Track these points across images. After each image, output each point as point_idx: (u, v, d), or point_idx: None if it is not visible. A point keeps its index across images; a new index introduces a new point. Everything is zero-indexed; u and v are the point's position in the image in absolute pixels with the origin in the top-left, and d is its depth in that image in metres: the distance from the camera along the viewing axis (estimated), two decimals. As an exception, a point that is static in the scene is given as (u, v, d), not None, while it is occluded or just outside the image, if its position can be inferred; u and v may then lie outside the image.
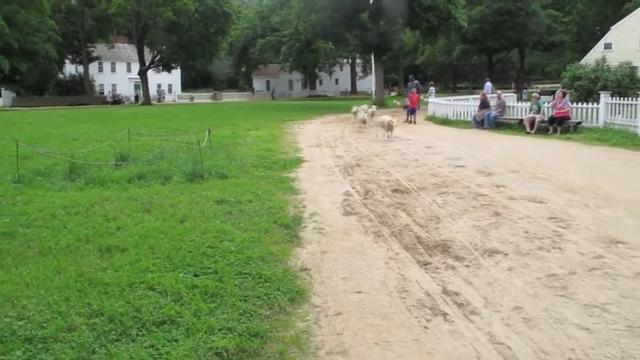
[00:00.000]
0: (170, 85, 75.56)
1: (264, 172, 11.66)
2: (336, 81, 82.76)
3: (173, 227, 7.08)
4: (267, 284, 5.34)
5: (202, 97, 71.33)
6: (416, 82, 26.28)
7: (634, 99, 17.04)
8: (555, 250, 6.45)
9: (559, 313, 4.80)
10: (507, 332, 4.47)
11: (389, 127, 17.92)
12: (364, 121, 22.30)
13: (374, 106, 26.17)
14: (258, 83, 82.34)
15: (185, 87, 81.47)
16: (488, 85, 29.51)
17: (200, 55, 63.12)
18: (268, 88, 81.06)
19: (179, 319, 4.53)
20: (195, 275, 5.50)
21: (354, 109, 24.33)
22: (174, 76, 73.87)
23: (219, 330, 4.38)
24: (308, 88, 79.71)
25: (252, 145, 16.59)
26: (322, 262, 6.19)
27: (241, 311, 4.73)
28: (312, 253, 6.49)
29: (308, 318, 4.79)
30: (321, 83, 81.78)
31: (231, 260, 5.91)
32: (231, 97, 72.24)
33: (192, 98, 70.69)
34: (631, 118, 16.95)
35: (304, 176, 11.46)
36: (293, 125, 24.72)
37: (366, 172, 11.66)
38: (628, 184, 10.07)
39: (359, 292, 5.33)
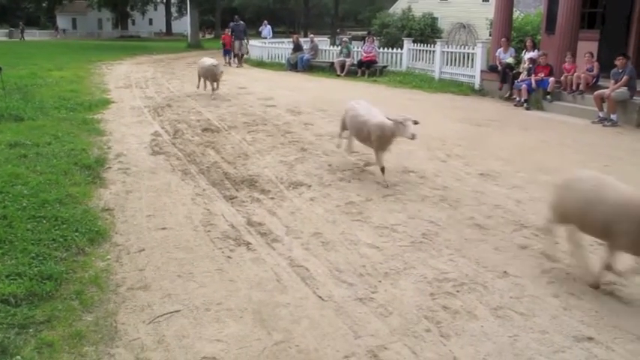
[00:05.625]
0: (-47, 21, 66.12)
1: (67, 113, 10.83)
2: (150, 21, 78.19)
3: (-47, 174, 6.36)
4: (64, 226, 5.05)
5: (-4, 36, 63.55)
6: (233, 24, 25.57)
7: (432, 46, 18.41)
8: (355, 180, 6.90)
9: (354, 235, 5.19)
10: (306, 256, 4.73)
11: (213, 78, 13.51)
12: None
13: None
14: (63, 21, 75.09)
15: (-27, 23, 71.83)
16: (267, 29, 29.31)
17: (-10, -14, 55.75)
18: (75, 27, 74.40)
19: (-43, 271, 4.14)
20: (-21, 223, 5.02)
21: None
22: (-41, 10, 64.64)
23: (7, 276, 4.08)
24: (119, 28, 74.52)
25: (54, 86, 15.24)
26: (126, 202, 5.99)
27: (33, 255, 4.44)
28: (115, 194, 6.25)
29: (109, 257, 4.65)
30: (133, 23, 76.77)
31: (24, 204, 5.48)
32: (32, 36, 65.27)
33: (-19, 35, 62.64)
34: (429, 63, 18.33)
35: (111, 117, 10.85)
36: (101, 66, 23.10)
37: (176, 113, 11.36)
38: (422, 122, 10.91)
39: (164, 229, 5.27)
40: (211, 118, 10.72)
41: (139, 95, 14.18)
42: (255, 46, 26.06)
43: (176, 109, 11.89)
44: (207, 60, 13.91)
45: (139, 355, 3.36)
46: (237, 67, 22.72)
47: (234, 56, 23.86)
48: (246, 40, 24.16)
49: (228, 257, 4.69)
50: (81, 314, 3.76)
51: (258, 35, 31.26)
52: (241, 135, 9.28)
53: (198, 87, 14.34)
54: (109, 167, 7.30)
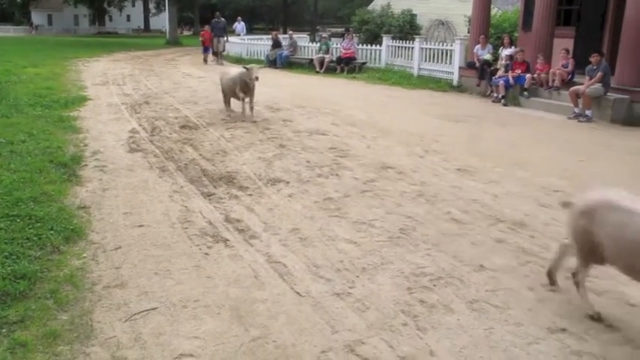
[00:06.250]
0: None
1: (42, 111, 10.68)
2: (128, 17, 77.50)
3: None
4: (39, 225, 4.98)
5: (-33, 32, 62.32)
6: (214, 20, 25.38)
7: (411, 42, 18.49)
8: (333, 176, 6.91)
9: (331, 231, 5.20)
10: (284, 252, 4.73)
11: (245, 91, 10.16)
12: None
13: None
14: (38, 17, 73.99)
15: (-58, 20, 70.35)
16: (241, 25, 29.12)
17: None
18: (50, 23, 73.37)
19: None
20: (-50, 225, 4.92)
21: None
22: None
23: (-21, 276, 4.02)
24: (96, 24, 73.68)
25: (29, 83, 15.00)
26: (103, 200, 5.93)
27: (6, 254, 4.36)
28: (92, 191, 6.18)
29: (84, 255, 4.60)
30: (111, 19, 75.89)
31: (-4, 204, 5.40)
32: (5, 32, 64.20)
33: (-47, 32, 61.33)
34: (408, 59, 18.42)
35: (88, 115, 10.73)
36: (78, 63, 22.81)
37: (154, 110, 11.26)
38: (400, 118, 11.06)
39: (140, 226, 5.23)
40: (190, 115, 10.65)
41: (116, 92, 14.04)
42: (234, 43, 25.94)
43: (154, 106, 11.79)
44: (232, 69, 11.13)
45: (115, 353, 3.33)
46: (216, 64, 22.58)
47: (213, 53, 23.75)
48: (225, 38, 24.05)
49: (206, 254, 4.67)
50: (56, 313, 3.71)
51: (233, 32, 31.14)
52: (219, 132, 9.24)
53: (227, 109, 11.00)
54: (85, 165, 7.22)
